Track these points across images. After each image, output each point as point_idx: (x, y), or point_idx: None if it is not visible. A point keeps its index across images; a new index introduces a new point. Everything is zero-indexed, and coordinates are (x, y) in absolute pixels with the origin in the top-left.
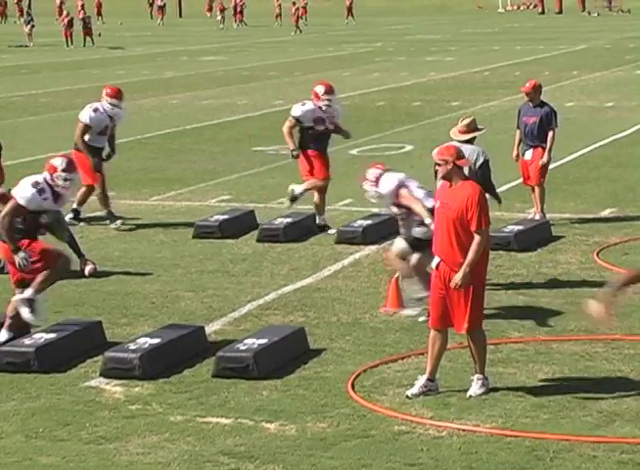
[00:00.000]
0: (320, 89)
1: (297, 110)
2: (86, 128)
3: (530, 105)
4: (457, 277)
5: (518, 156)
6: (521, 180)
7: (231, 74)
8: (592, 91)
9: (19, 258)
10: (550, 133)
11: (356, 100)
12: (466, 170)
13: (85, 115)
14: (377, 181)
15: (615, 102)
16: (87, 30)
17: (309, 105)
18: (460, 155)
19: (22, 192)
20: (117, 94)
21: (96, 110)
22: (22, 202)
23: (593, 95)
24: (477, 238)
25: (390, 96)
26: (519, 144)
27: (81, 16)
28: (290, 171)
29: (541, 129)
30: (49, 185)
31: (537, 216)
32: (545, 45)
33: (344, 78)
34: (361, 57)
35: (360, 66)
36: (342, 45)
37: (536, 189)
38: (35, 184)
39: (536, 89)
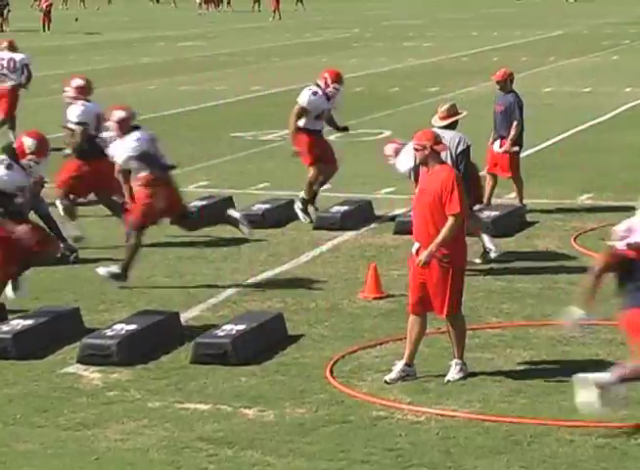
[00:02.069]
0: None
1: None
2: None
3: (502, 93)
4: (422, 254)
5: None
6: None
7: (208, 60)
8: (569, 77)
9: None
10: (514, 123)
11: None
12: (443, 155)
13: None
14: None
15: (592, 87)
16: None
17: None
18: (437, 140)
19: None
20: (338, 77)
21: (315, 93)
22: None
23: (570, 81)
24: (450, 220)
25: (368, 82)
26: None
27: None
28: (268, 157)
29: (506, 119)
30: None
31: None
32: (522, 31)
33: (322, 64)
34: (339, 43)
35: (338, 51)
36: (319, 31)
37: (513, 182)
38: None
39: (506, 78)
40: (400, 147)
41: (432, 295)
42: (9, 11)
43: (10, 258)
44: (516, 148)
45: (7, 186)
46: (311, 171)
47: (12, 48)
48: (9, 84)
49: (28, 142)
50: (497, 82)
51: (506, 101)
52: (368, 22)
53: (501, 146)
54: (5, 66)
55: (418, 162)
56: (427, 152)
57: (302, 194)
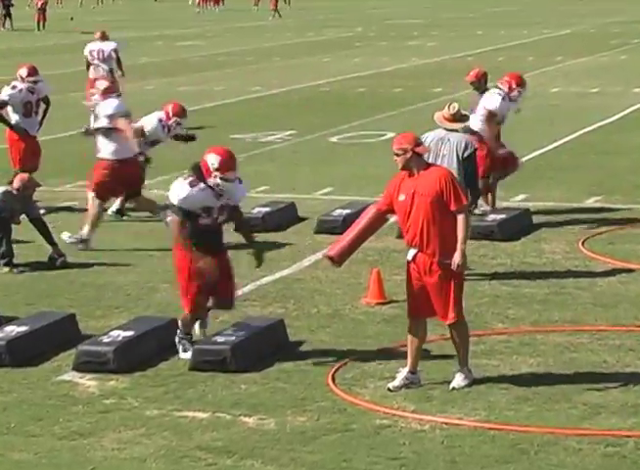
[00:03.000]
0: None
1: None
2: None
3: (476, 93)
4: (456, 257)
5: None
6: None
7: (207, 60)
8: (577, 77)
9: None
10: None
11: (336, 86)
12: (448, 159)
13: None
14: None
15: (599, 88)
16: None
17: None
18: (418, 142)
19: None
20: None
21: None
22: None
23: (578, 81)
24: (460, 216)
25: (371, 82)
26: None
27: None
28: (268, 159)
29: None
30: None
31: (486, 207)
32: (529, 30)
33: (324, 64)
34: (341, 42)
35: (340, 51)
36: (321, 30)
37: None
38: None
39: (480, 78)
40: None
41: (433, 300)
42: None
43: (198, 288)
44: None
45: (191, 206)
46: None
47: (103, 38)
48: (101, 73)
49: (212, 159)
50: (471, 83)
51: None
52: (371, 20)
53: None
54: (96, 56)
55: (400, 167)
56: (408, 156)
57: None
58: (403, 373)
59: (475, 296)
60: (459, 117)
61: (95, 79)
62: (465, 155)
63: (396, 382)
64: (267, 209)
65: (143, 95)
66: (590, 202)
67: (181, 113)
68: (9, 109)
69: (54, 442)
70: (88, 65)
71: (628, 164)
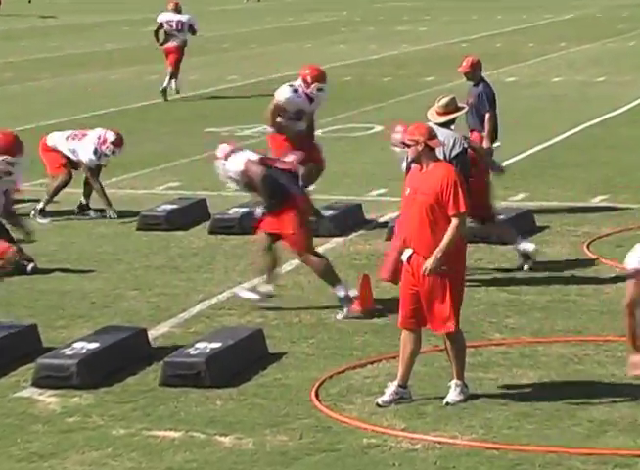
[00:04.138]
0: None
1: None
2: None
3: (471, 84)
4: (428, 262)
5: None
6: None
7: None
8: (581, 65)
9: None
10: (487, 115)
11: None
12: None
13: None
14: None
15: (606, 77)
16: None
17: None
18: (432, 134)
19: None
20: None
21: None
22: None
23: (582, 69)
24: (454, 222)
25: (358, 71)
26: None
27: None
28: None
29: (477, 111)
30: None
31: None
32: (529, 14)
33: (306, 51)
34: (325, 27)
35: (324, 37)
36: (303, 14)
37: None
38: None
39: (474, 67)
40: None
41: (426, 308)
42: None
43: None
44: (497, 143)
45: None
46: None
47: (177, 10)
48: (176, 43)
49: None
50: (465, 74)
51: (476, 91)
52: (357, 3)
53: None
54: (174, 27)
55: (410, 159)
56: (420, 148)
57: None
58: (393, 387)
59: (471, 303)
60: (452, 109)
61: (169, 49)
62: (453, 153)
63: (386, 397)
64: (245, 209)
65: (107, 85)
66: (596, 201)
67: (321, 78)
68: None
69: (11, 464)
70: (158, 33)
71: (637, 159)
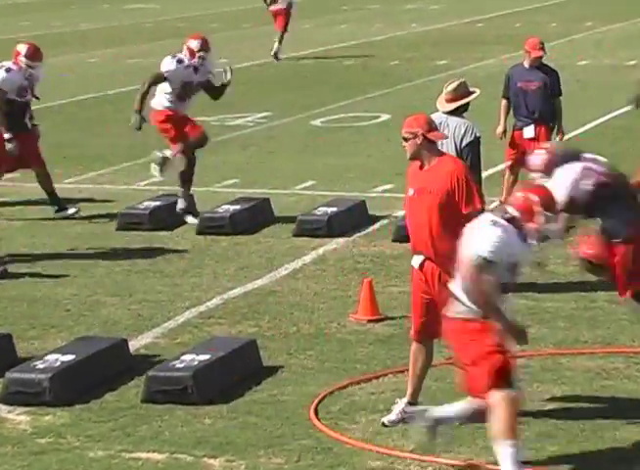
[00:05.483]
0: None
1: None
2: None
3: (526, 66)
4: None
5: (505, 132)
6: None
7: (163, 26)
8: (610, 47)
9: None
10: (558, 100)
11: (320, 58)
12: (446, 148)
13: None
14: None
15: (637, 60)
16: None
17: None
18: (432, 126)
19: None
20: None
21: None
22: None
23: (611, 51)
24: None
25: (362, 53)
26: (506, 117)
27: None
28: (238, 146)
29: (545, 98)
30: None
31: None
32: None
33: (305, 31)
34: (325, 5)
35: (324, 15)
36: None
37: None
38: None
39: (544, 49)
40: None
41: (440, 318)
42: None
43: None
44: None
45: None
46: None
47: None
48: (283, 5)
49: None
50: (539, 57)
51: (542, 75)
52: None
53: (537, 134)
54: None
55: (409, 155)
56: (419, 141)
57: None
58: (401, 405)
59: None
60: (462, 93)
61: (276, 11)
62: (464, 142)
63: (393, 416)
64: (237, 206)
65: (84, 69)
66: None
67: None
68: None
69: None
70: None
71: None
